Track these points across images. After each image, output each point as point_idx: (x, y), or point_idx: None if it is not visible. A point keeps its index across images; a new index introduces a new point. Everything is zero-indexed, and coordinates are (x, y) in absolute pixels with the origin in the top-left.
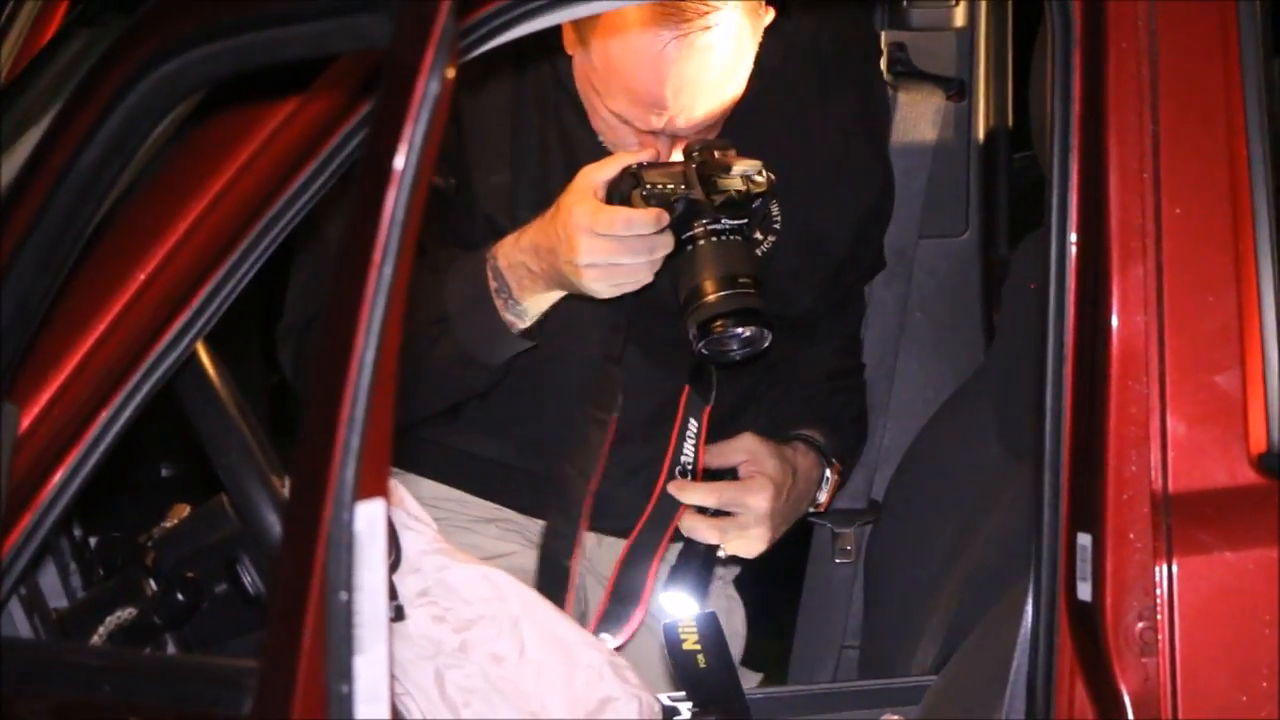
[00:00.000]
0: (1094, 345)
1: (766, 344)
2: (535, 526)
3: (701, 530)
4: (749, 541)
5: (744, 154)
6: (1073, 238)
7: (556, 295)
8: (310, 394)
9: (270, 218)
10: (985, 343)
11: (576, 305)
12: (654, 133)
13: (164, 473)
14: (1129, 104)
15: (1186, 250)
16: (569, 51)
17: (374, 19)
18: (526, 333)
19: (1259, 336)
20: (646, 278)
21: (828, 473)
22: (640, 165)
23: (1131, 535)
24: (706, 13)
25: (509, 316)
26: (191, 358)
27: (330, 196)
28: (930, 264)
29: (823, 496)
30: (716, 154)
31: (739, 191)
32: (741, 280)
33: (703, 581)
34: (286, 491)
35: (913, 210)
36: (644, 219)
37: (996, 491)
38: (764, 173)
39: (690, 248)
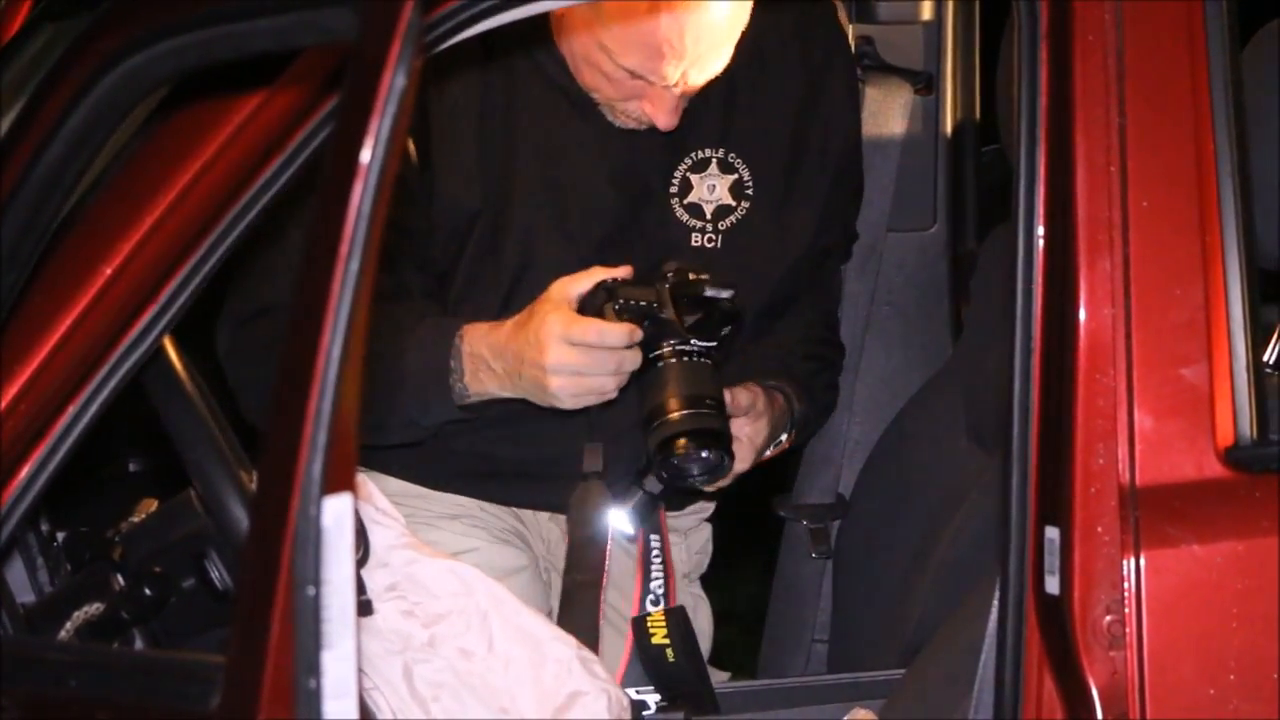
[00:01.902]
0: (1061, 338)
1: (726, 471)
2: (499, 523)
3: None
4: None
5: (717, 282)
6: (1040, 231)
7: (506, 395)
8: (276, 388)
9: (236, 212)
10: (953, 336)
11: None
12: (668, 87)
13: (131, 467)
14: (1096, 97)
15: (1154, 243)
16: (558, 37)
17: (339, 13)
18: (466, 408)
19: (1226, 329)
20: (611, 392)
21: (790, 426)
22: (615, 281)
23: (1099, 529)
24: None
25: (454, 395)
26: (158, 352)
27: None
28: (898, 257)
29: (784, 437)
30: (691, 276)
31: (711, 315)
32: (708, 402)
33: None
34: (254, 486)
35: (881, 204)
36: (617, 333)
37: (964, 485)
38: (734, 303)
39: (658, 365)
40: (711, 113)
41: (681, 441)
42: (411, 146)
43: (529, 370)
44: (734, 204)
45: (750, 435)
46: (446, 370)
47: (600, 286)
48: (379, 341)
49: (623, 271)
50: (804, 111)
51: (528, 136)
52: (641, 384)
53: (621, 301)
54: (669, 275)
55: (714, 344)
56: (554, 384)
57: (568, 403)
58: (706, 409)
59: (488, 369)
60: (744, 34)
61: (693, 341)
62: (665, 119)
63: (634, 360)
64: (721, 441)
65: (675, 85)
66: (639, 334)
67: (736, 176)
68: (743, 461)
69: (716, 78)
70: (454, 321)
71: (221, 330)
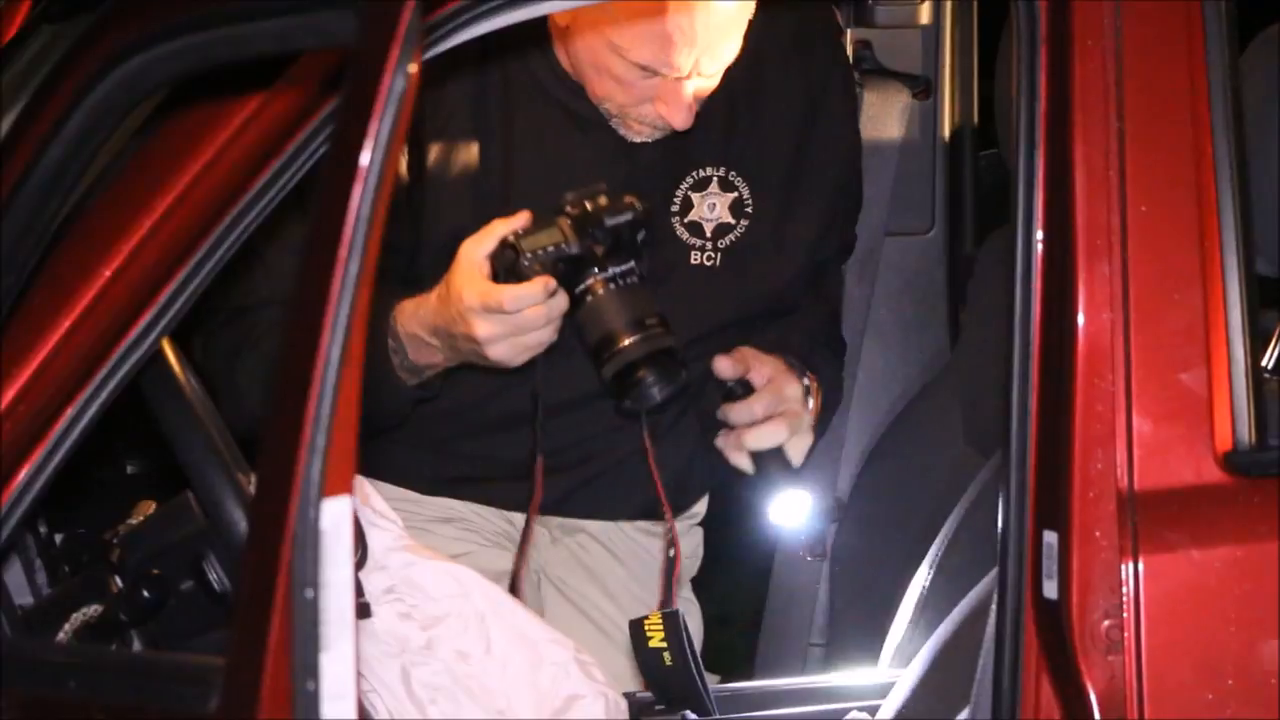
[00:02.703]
0: (1060, 343)
1: (684, 380)
2: (491, 527)
3: (767, 434)
4: (803, 434)
5: (615, 207)
6: (1039, 235)
7: (454, 363)
8: (274, 391)
9: (235, 214)
10: (951, 340)
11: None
12: (682, 77)
13: (129, 469)
14: (1094, 101)
15: (1152, 248)
16: (561, 50)
17: (338, 15)
18: (422, 385)
19: (1225, 334)
20: (551, 339)
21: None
22: (517, 234)
23: (1097, 533)
24: None
25: (402, 373)
26: (157, 354)
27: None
28: (896, 261)
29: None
30: (587, 204)
31: (620, 236)
32: (648, 322)
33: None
34: (252, 488)
35: (879, 208)
36: (531, 291)
37: (962, 489)
38: (639, 206)
39: (587, 300)
40: (712, 131)
41: (640, 369)
42: (402, 163)
43: (463, 344)
44: (733, 222)
45: (791, 396)
46: (386, 351)
47: (504, 244)
48: None
49: (521, 220)
50: (803, 128)
51: (525, 154)
52: (577, 321)
53: (530, 254)
54: (568, 210)
55: (631, 263)
56: (492, 353)
57: (512, 363)
58: (649, 329)
59: (426, 346)
60: (743, 51)
61: (610, 268)
62: (681, 116)
63: (561, 305)
64: (673, 356)
65: (689, 75)
66: (553, 283)
67: (736, 195)
68: (805, 434)
69: (717, 96)
70: (389, 302)
71: (196, 334)
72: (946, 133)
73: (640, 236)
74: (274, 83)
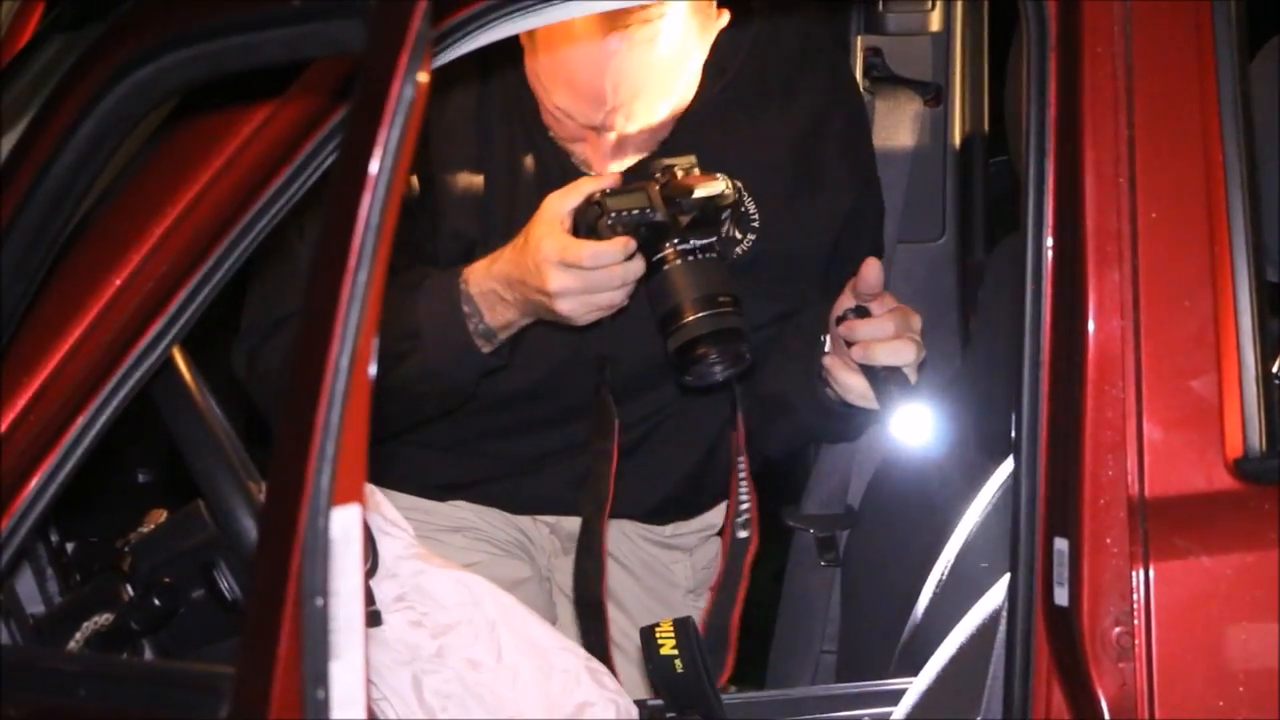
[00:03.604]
0: (1070, 350)
1: (748, 362)
2: (501, 535)
3: (899, 349)
4: (919, 361)
5: (707, 168)
6: (1049, 242)
7: (528, 321)
8: (285, 399)
9: (245, 223)
10: (961, 347)
11: (554, 332)
12: (596, 129)
13: (140, 478)
14: (1104, 108)
15: (1162, 255)
16: (522, 47)
17: (348, 24)
18: (495, 353)
19: (1235, 341)
20: (621, 302)
21: None
22: (604, 192)
23: (1108, 540)
24: (648, 7)
25: (478, 339)
26: (167, 363)
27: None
28: (907, 268)
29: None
30: (680, 173)
31: (706, 210)
32: (720, 299)
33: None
34: (263, 497)
35: (891, 215)
36: (611, 249)
37: (973, 496)
38: (729, 185)
39: (663, 269)
40: (713, 145)
41: (702, 346)
42: (413, 178)
43: (535, 296)
44: (739, 236)
45: (915, 326)
46: (460, 315)
47: (590, 200)
48: (393, 315)
49: (610, 180)
50: (807, 144)
51: (530, 166)
52: (650, 289)
53: (614, 214)
54: (658, 176)
55: (714, 238)
56: (563, 307)
57: (581, 320)
58: (720, 307)
59: (501, 301)
60: (747, 65)
61: (691, 240)
62: (599, 164)
63: (637, 269)
64: (741, 337)
65: (605, 129)
66: (633, 245)
67: (742, 209)
68: (918, 364)
69: (718, 112)
70: (451, 271)
71: (238, 350)
72: (957, 140)
73: (725, 215)
74: (284, 91)
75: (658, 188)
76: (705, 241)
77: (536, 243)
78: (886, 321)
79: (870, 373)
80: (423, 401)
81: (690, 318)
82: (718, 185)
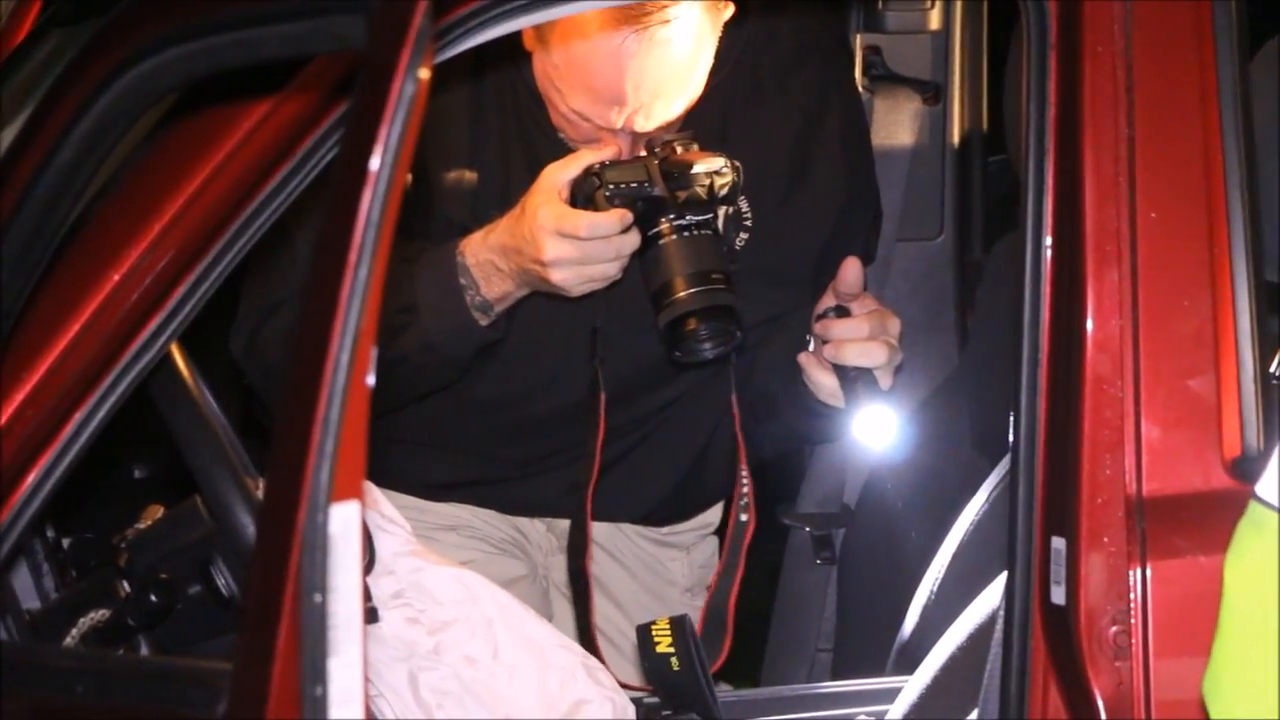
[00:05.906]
0: (1069, 349)
1: (738, 340)
2: (497, 533)
3: (871, 351)
4: (894, 366)
5: (707, 148)
6: (1048, 241)
7: (524, 292)
8: (284, 395)
9: (245, 218)
10: (959, 345)
11: (548, 305)
12: (614, 130)
13: (138, 474)
14: (1104, 107)
15: (1161, 254)
16: (529, 49)
17: (349, 20)
18: (492, 326)
19: (1233, 340)
20: (615, 275)
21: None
22: (603, 164)
23: (1105, 539)
24: (666, 7)
25: (475, 311)
26: (165, 359)
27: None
28: (905, 267)
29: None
30: (679, 149)
31: (704, 187)
32: (713, 276)
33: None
34: (260, 493)
35: (890, 214)
36: (607, 221)
37: (970, 495)
38: (729, 163)
39: (658, 243)
40: (707, 144)
41: (692, 321)
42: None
43: (530, 265)
44: (733, 233)
45: (892, 330)
46: (456, 287)
47: (588, 171)
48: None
49: (609, 153)
50: (802, 144)
51: (524, 161)
52: (644, 262)
53: (613, 186)
54: (657, 150)
55: (710, 215)
56: (556, 277)
57: (574, 291)
58: (712, 283)
59: (497, 271)
60: (741, 64)
61: (688, 216)
62: None
63: (632, 242)
64: (731, 315)
65: (623, 129)
66: (630, 217)
67: (734, 209)
68: (894, 369)
69: (713, 108)
70: (447, 245)
71: (237, 334)
72: (956, 138)
73: (724, 193)
74: (284, 87)
75: (657, 163)
76: (701, 219)
77: (533, 211)
78: (862, 323)
79: (841, 372)
80: (420, 375)
81: (682, 293)
82: (717, 162)
